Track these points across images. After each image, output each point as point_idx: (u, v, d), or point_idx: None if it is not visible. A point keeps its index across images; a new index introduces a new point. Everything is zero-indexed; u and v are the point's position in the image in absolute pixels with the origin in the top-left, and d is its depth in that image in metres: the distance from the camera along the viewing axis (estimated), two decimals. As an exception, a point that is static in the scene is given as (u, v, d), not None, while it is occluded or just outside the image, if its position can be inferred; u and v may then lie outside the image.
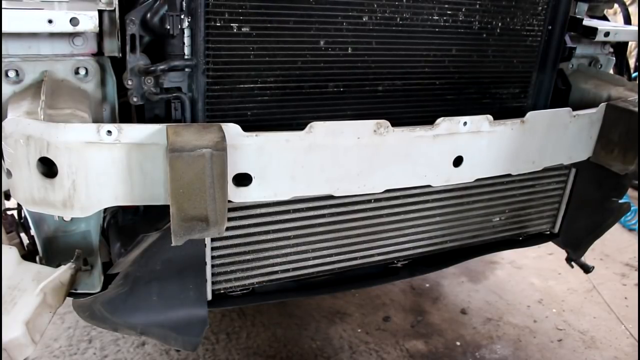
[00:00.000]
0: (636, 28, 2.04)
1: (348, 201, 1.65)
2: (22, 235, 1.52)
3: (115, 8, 1.31)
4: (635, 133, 1.68)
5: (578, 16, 1.94)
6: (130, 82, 1.34)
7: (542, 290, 3.17)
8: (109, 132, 1.15)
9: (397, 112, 1.68)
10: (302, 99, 1.55)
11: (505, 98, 1.88)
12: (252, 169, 1.30)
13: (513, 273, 3.35)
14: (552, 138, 1.69)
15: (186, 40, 1.37)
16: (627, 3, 2.32)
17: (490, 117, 1.55)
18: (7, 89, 1.30)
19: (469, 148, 1.55)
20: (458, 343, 2.68)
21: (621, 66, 2.19)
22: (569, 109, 1.69)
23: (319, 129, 1.33)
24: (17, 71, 1.29)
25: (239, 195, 1.32)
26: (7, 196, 1.32)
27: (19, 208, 1.62)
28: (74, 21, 1.23)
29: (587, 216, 2.14)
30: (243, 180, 1.31)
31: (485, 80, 1.81)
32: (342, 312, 2.84)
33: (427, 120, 1.48)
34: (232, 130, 1.24)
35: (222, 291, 1.63)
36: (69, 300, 1.42)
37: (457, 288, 3.15)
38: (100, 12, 1.29)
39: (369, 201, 1.69)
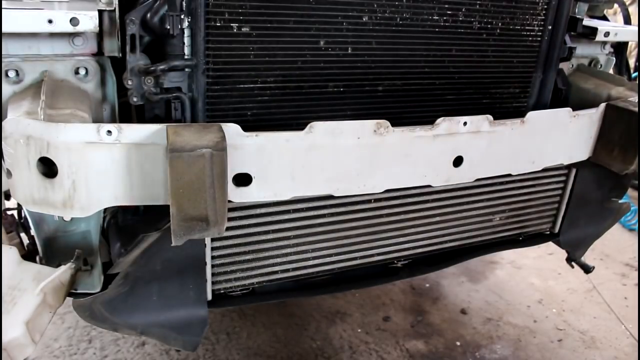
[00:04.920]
0: (636, 28, 2.04)
1: (348, 201, 1.65)
2: (22, 235, 1.52)
3: (115, 8, 1.31)
4: (635, 133, 1.68)
5: (578, 16, 1.94)
6: (130, 82, 1.34)
7: (542, 290, 3.17)
8: (109, 132, 1.15)
9: (397, 112, 1.68)
10: (302, 99, 1.55)
11: (506, 98, 1.88)
12: (252, 169, 1.30)
13: (513, 273, 3.35)
14: (552, 138, 1.69)
15: (186, 40, 1.37)
16: (627, 3, 2.32)
17: (490, 117, 1.55)
18: (7, 89, 1.30)
19: (469, 148, 1.55)
20: (458, 343, 2.68)
21: (621, 66, 2.19)
22: (569, 109, 1.69)
23: (318, 129, 1.33)
24: (17, 71, 1.29)
25: (239, 195, 1.32)
26: (7, 196, 1.32)
27: (19, 208, 1.61)
28: (74, 21, 1.23)
29: (587, 216, 2.14)
30: (243, 180, 1.31)
31: (485, 80, 1.81)
32: (342, 312, 2.84)
33: (427, 120, 1.48)
34: (232, 130, 1.24)
35: (222, 291, 1.63)
36: (69, 300, 1.42)
37: (457, 288, 3.15)
38: (100, 12, 1.29)
39: (369, 201, 1.69)
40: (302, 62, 1.51)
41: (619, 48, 2.18)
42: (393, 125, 1.41)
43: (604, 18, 2.19)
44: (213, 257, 1.55)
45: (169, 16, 1.31)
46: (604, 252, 3.60)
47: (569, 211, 2.11)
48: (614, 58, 2.17)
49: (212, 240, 1.52)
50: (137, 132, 1.17)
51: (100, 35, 1.34)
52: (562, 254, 2.29)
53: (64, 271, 1.34)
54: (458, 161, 1.56)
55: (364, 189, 1.46)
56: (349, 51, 1.55)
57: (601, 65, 2.14)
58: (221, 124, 1.23)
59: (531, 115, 1.62)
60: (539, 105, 1.94)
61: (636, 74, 3.71)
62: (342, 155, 1.38)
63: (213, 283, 1.59)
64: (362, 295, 2.98)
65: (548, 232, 2.19)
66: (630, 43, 2.17)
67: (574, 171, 2.03)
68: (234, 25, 1.39)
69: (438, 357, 2.57)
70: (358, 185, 1.45)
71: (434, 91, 1.73)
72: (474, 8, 1.66)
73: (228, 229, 1.43)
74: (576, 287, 3.21)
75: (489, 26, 1.71)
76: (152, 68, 1.33)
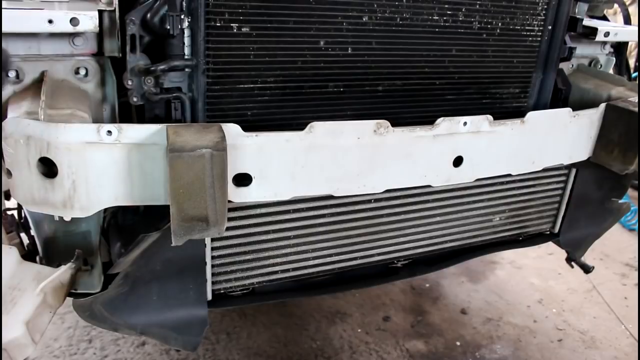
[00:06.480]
0: (636, 28, 2.04)
1: (348, 201, 1.65)
2: (22, 235, 1.52)
3: (115, 8, 1.31)
4: (635, 133, 1.68)
5: (578, 16, 1.94)
6: (130, 82, 1.34)
7: (542, 290, 3.17)
8: (109, 132, 1.15)
9: (397, 112, 1.68)
10: (302, 99, 1.55)
11: (505, 98, 1.88)
12: (252, 169, 1.30)
13: (513, 273, 3.35)
14: (552, 138, 1.69)
15: (186, 40, 1.37)
16: (627, 3, 2.32)
17: (490, 117, 1.55)
18: (7, 89, 1.30)
19: (469, 148, 1.55)
20: (458, 343, 2.68)
21: (621, 66, 2.19)
22: (569, 109, 1.69)
23: (319, 129, 1.33)
24: (17, 71, 1.29)
25: (239, 195, 1.32)
26: (7, 196, 1.32)
27: (19, 208, 1.61)
28: (74, 21, 1.23)
29: (587, 216, 2.14)
30: (243, 180, 1.31)
31: (485, 80, 1.81)
32: (342, 312, 2.84)
33: (427, 120, 1.48)
34: (232, 130, 1.24)
35: (222, 291, 1.63)
36: (69, 300, 1.42)
37: (457, 288, 3.15)
38: (100, 12, 1.29)
39: (369, 201, 1.69)
40: (302, 62, 1.51)
41: (619, 48, 2.18)
42: (393, 125, 1.42)
43: (604, 18, 2.19)
44: (213, 257, 1.55)
45: (169, 16, 1.31)
46: (604, 252, 3.60)
47: (569, 211, 2.11)
48: (614, 58, 2.17)
49: (212, 240, 1.52)
50: (137, 132, 1.17)
51: (100, 35, 1.34)
52: (562, 254, 2.29)
53: (64, 271, 1.34)
54: (458, 161, 1.56)
55: (364, 189, 1.46)
56: (349, 51, 1.55)
57: (601, 65, 2.14)
58: (221, 124, 1.23)
59: (531, 115, 1.62)
60: (539, 105, 1.94)
61: (636, 74, 3.71)
62: (342, 156, 1.38)
63: (213, 283, 1.59)
64: (362, 295, 2.98)
65: (548, 232, 2.19)
66: (630, 43, 2.17)
67: (574, 171, 2.03)
68: (234, 25, 1.39)
69: (438, 357, 2.57)
70: (358, 185, 1.45)
71: (434, 91, 1.73)
72: (474, 8, 1.66)
73: (228, 229, 1.43)
74: (576, 287, 3.21)
75: (489, 26, 1.71)
76: (152, 68, 1.33)
